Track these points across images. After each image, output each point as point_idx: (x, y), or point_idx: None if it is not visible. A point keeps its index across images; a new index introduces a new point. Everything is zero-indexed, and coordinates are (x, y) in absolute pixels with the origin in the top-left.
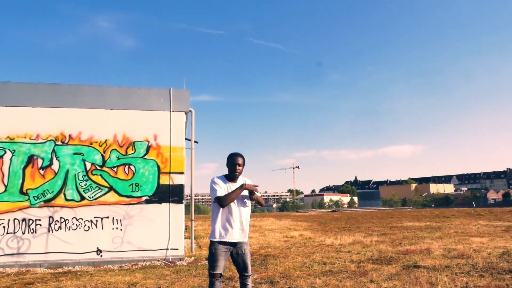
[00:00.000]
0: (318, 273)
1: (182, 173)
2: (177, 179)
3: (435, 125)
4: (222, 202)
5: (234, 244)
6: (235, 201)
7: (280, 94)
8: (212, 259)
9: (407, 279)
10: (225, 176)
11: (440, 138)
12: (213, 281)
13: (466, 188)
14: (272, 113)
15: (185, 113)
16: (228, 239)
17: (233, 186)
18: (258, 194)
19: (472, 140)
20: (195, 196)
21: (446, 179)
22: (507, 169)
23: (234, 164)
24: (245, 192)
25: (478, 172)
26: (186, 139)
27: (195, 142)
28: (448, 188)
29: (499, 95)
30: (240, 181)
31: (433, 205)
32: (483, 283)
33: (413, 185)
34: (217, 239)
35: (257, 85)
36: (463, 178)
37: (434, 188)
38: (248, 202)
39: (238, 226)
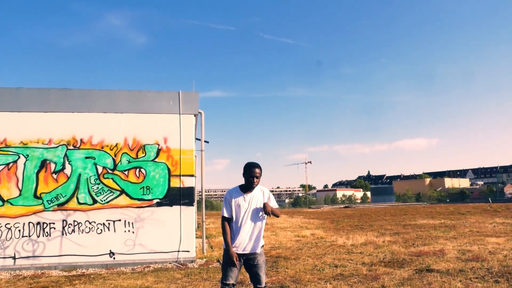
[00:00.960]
0: (329, 277)
1: (193, 175)
2: (187, 182)
3: (451, 118)
4: (222, 225)
5: (245, 255)
6: (249, 215)
7: (292, 89)
8: (225, 268)
9: (419, 284)
10: (241, 187)
11: (455, 130)
12: None
13: (482, 183)
14: (284, 108)
15: (195, 116)
16: (239, 251)
17: (248, 197)
18: (271, 206)
19: (489, 132)
20: (207, 192)
21: (461, 173)
22: None
23: (251, 177)
24: (260, 205)
25: (495, 166)
26: (196, 139)
27: (205, 142)
28: (463, 183)
29: None
30: (257, 191)
31: (448, 200)
32: None
33: (428, 180)
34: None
35: (269, 80)
36: (479, 172)
37: (449, 182)
38: (262, 216)
39: (248, 238)
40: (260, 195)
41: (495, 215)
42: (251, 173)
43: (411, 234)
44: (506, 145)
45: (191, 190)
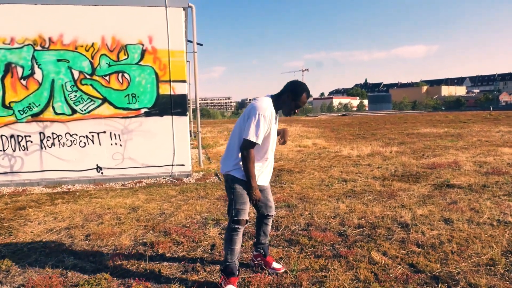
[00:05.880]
0: (340, 194)
1: (184, 81)
2: (178, 88)
3: (453, 22)
4: (245, 154)
5: (262, 186)
6: (274, 141)
7: None
8: (241, 201)
9: (443, 203)
10: (274, 103)
11: (457, 36)
12: (238, 228)
13: (478, 91)
14: (282, 10)
15: (184, 9)
16: (259, 182)
17: (277, 119)
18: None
19: (492, 38)
20: (203, 100)
21: (458, 81)
22: None
23: (299, 106)
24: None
25: (493, 73)
26: (188, 41)
27: (198, 44)
28: (459, 91)
29: None
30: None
31: (443, 108)
32: None
33: (424, 88)
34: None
35: None
36: (476, 80)
37: (446, 90)
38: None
39: (271, 169)
40: None
41: (498, 123)
42: (304, 99)
43: (418, 144)
44: (509, 52)
45: (183, 97)
